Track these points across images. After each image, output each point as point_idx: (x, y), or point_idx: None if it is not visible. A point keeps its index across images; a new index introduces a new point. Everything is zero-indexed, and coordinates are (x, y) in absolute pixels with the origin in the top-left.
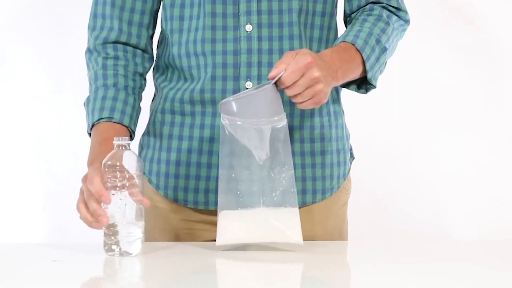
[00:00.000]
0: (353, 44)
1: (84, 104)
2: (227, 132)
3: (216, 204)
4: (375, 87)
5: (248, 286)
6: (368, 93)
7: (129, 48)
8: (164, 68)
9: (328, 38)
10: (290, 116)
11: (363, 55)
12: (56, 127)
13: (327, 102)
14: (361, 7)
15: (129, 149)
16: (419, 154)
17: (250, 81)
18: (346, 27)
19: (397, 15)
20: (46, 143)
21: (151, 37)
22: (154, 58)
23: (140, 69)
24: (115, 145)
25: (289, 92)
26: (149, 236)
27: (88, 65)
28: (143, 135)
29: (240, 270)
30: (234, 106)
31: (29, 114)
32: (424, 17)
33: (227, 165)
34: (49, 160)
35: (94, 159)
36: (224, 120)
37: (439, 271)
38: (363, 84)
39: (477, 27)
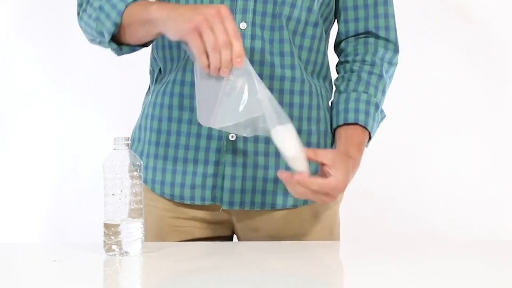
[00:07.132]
0: (356, 123)
1: (101, 7)
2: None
3: (202, 199)
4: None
5: (245, 285)
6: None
7: None
8: (158, 62)
9: (318, 48)
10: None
11: (368, 128)
12: (56, 127)
13: (319, 121)
14: (358, 33)
15: (129, 149)
16: (419, 154)
17: None
18: (336, 52)
19: (385, 48)
20: (46, 143)
21: None
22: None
23: None
24: (114, 145)
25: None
26: None
27: (86, 9)
28: (135, 128)
29: (237, 269)
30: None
31: (29, 114)
32: (424, 17)
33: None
34: (49, 160)
35: (183, 7)
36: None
37: (436, 271)
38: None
39: (477, 26)
